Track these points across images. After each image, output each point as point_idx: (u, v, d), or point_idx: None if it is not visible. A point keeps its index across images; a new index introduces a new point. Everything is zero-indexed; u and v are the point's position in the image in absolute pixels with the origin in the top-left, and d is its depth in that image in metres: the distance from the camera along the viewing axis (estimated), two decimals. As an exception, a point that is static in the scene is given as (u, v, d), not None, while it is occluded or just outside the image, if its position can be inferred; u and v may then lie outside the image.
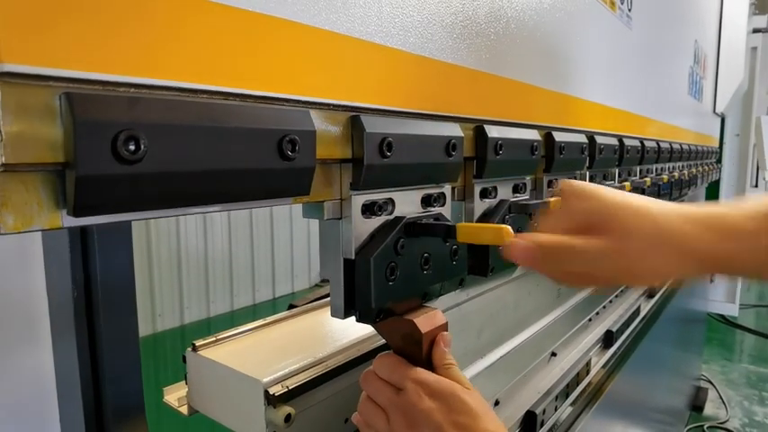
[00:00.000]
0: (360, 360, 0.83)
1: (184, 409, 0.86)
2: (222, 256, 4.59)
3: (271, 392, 0.70)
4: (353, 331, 0.89)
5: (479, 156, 0.60)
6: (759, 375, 3.33)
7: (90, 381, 0.70)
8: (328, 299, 1.10)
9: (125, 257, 0.69)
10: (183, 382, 0.87)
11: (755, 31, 3.17)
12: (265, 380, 0.70)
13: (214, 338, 0.85)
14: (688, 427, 2.66)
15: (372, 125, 0.44)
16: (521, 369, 0.85)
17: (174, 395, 0.88)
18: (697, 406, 2.86)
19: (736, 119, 3.20)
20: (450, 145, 0.52)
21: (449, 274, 0.57)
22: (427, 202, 0.56)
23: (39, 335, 0.70)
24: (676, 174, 1.54)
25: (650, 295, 1.54)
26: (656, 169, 1.47)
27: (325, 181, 0.44)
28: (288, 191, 0.37)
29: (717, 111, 2.49)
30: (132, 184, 0.27)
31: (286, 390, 0.71)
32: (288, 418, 0.70)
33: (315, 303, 1.08)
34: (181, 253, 4.28)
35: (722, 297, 3.43)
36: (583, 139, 0.90)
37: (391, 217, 0.50)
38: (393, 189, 0.50)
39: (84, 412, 0.70)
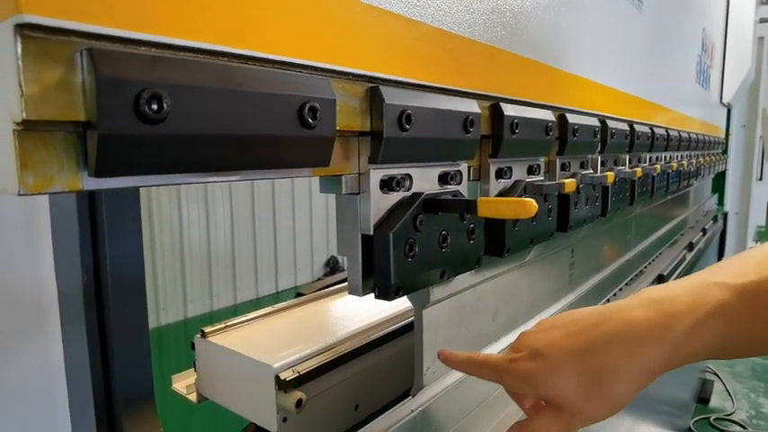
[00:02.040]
0: (369, 346, 0.82)
1: (193, 397, 0.86)
2: (225, 249, 4.58)
3: (282, 377, 0.69)
4: (362, 318, 0.89)
5: (496, 134, 0.59)
6: (765, 368, 3.33)
7: (100, 368, 0.69)
8: (336, 286, 1.10)
9: (135, 244, 0.68)
10: (192, 369, 0.87)
11: (762, 20, 3.15)
12: (276, 365, 0.70)
13: (223, 325, 0.85)
14: (694, 420, 2.66)
15: (392, 97, 0.43)
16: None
17: (183, 383, 0.88)
18: (703, 398, 2.85)
19: (743, 110, 3.19)
20: (467, 121, 0.51)
21: (466, 253, 0.56)
22: (444, 179, 0.55)
23: (48, 322, 0.69)
24: (685, 162, 1.52)
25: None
26: (665, 157, 1.46)
27: (344, 154, 0.43)
28: (308, 160, 0.36)
29: (723, 101, 2.47)
30: (155, 146, 0.26)
31: (297, 375, 0.71)
32: (299, 403, 0.70)
33: (323, 291, 1.08)
34: (184, 246, 4.27)
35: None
36: (595, 122, 0.89)
37: (409, 193, 0.49)
38: (411, 165, 0.49)
39: (93, 400, 0.69)
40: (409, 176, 0.49)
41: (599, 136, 0.89)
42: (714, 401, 2.87)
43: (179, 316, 4.35)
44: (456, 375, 0.67)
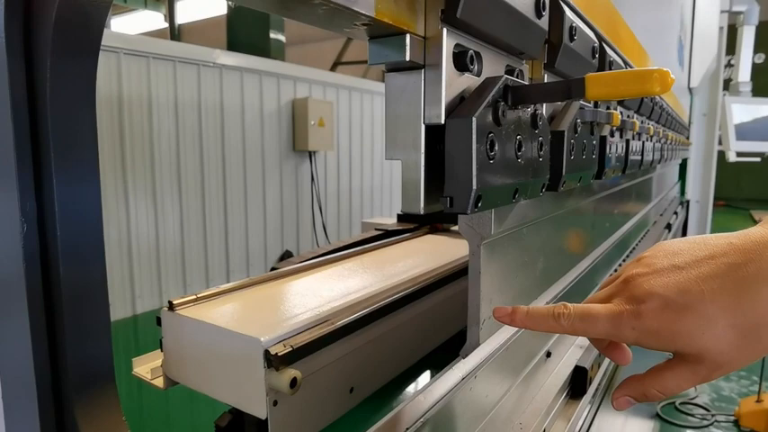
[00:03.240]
0: (368, 319, 0.72)
1: (159, 382, 0.72)
2: (174, 245, 4.37)
3: (272, 353, 0.58)
4: (356, 289, 0.79)
5: (555, 39, 0.49)
6: (722, 353, 3.40)
7: (44, 342, 0.55)
8: (318, 259, 0.99)
9: (92, 189, 0.55)
10: (157, 350, 0.74)
11: (723, 12, 3.21)
12: (265, 338, 0.58)
13: (194, 296, 0.72)
14: (661, 405, 2.68)
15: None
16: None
17: (146, 366, 0.75)
18: (667, 383, 2.89)
19: (705, 98, 3.25)
20: (540, 3, 0.41)
21: (537, 171, 0.46)
22: (509, 75, 0.44)
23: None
24: (669, 135, 1.48)
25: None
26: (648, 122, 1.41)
27: (408, 3, 0.31)
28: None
29: (691, 85, 2.49)
30: None
31: (290, 350, 0.59)
32: (293, 382, 0.59)
33: (304, 264, 0.96)
34: (132, 242, 4.05)
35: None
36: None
37: (480, 78, 0.38)
38: (482, 43, 0.38)
39: (36, 381, 0.55)
40: (480, 56, 0.38)
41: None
42: (678, 387, 2.90)
43: (127, 312, 4.11)
44: (508, 332, 0.57)
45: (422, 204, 0.35)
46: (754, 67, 4.11)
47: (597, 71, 0.70)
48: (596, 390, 0.66)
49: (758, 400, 2.52)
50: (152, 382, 0.74)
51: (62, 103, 0.39)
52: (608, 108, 0.87)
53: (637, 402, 0.46)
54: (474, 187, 0.34)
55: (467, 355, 0.49)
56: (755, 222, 0.45)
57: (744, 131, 3.59)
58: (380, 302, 0.74)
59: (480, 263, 0.46)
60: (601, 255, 0.99)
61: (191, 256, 4.53)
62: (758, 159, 3.51)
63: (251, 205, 5.04)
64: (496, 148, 0.36)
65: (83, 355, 0.57)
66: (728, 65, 4.15)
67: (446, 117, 0.34)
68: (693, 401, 2.74)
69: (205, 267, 4.65)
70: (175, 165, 4.31)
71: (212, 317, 0.66)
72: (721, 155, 3.48)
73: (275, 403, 0.60)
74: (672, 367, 0.43)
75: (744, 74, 3.96)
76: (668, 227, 1.83)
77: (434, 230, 1.31)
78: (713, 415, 2.61)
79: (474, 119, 0.33)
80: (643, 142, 1.15)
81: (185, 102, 4.34)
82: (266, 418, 0.59)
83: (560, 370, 0.63)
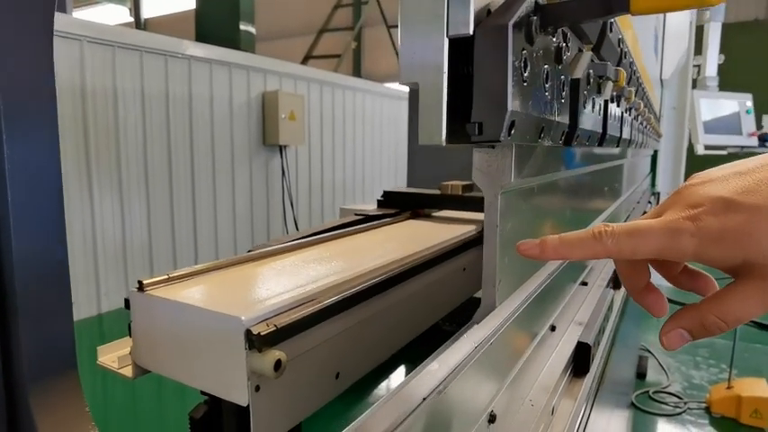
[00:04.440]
0: (357, 298, 0.67)
1: (128, 371, 0.66)
2: (141, 241, 4.24)
3: (254, 332, 0.53)
4: (338, 270, 0.74)
5: None
6: (692, 343, 3.46)
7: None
8: (298, 241, 0.94)
9: (51, 149, 0.49)
10: (125, 338, 0.67)
11: (691, 6, 3.25)
12: (246, 317, 0.53)
13: (166, 276, 0.66)
14: (635, 394, 2.70)
15: None
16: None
17: (112, 355, 0.68)
18: (640, 373, 2.92)
19: (674, 92, 3.30)
20: None
21: (559, 111, 0.41)
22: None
23: None
24: (640, 105, 1.44)
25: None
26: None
27: None
28: None
29: (663, 77, 2.52)
30: None
31: (274, 329, 0.54)
32: (278, 365, 0.53)
33: (283, 245, 0.91)
34: (96, 238, 3.90)
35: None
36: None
37: None
38: None
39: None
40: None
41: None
42: (650, 376, 2.94)
43: (92, 311, 3.96)
44: (521, 295, 0.52)
45: (444, 134, 0.30)
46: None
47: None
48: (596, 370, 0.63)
49: (728, 387, 2.56)
50: (119, 371, 0.67)
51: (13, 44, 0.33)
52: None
53: (692, 338, 0.40)
54: (509, 108, 0.30)
55: (481, 320, 0.45)
56: None
57: (711, 125, 3.67)
58: (368, 282, 0.70)
59: (498, 216, 0.42)
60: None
61: (158, 251, 4.40)
62: (725, 152, 3.59)
63: (220, 200, 4.93)
64: (528, 70, 0.32)
65: (40, 339, 0.50)
66: (695, 66, 4.23)
67: (475, 27, 0.29)
68: (666, 390, 2.78)
69: (173, 263, 4.53)
70: (142, 158, 4.17)
71: (187, 296, 0.60)
72: (689, 148, 3.54)
73: (257, 388, 0.55)
74: (735, 288, 0.37)
75: (711, 69, 4.06)
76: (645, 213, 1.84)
77: (416, 216, 1.27)
78: (686, 403, 2.65)
79: (510, 26, 0.28)
80: (628, 111, 1.14)
81: (152, 93, 4.20)
82: (248, 405, 0.54)
83: (563, 346, 0.60)
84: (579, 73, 0.45)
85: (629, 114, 1.01)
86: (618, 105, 0.76)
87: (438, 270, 0.87)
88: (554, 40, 0.37)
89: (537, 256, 0.40)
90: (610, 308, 0.78)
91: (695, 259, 0.38)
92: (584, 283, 0.83)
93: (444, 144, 0.31)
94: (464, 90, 0.30)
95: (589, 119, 0.53)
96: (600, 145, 0.66)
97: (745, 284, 0.36)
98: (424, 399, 0.32)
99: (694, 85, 3.88)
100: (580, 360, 0.57)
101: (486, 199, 0.42)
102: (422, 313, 0.86)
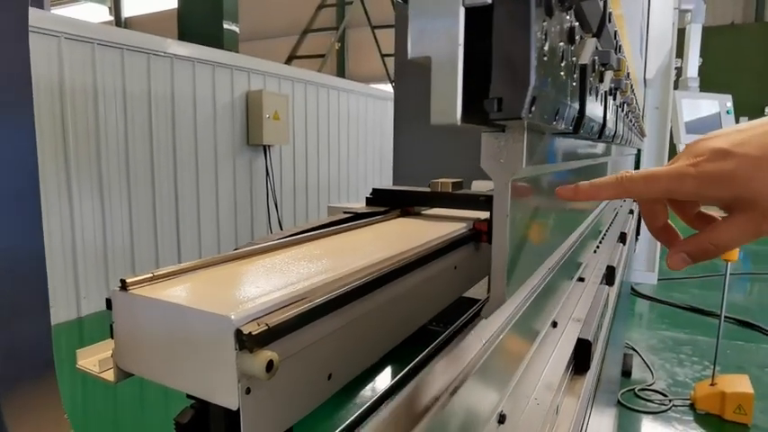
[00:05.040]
0: (350, 297, 0.65)
1: (109, 375, 0.63)
2: (123, 242, 4.16)
3: (245, 332, 0.50)
4: (329, 268, 0.72)
5: None
6: (675, 340, 3.51)
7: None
8: (285, 239, 0.91)
9: (27, 139, 0.46)
10: (106, 340, 0.64)
11: (675, 9, 3.30)
12: (236, 316, 0.51)
13: (150, 275, 0.63)
14: (621, 392, 2.72)
15: None
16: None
17: (93, 358, 0.65)
18: (626, 371, 2.94)
19: (657, 92, 3.33)
20: None
21: (571, 96, 0.41)
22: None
23: None
24: (633, 101, 1.44)
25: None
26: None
27: None
28: None
29: (647, 76, 2.53)
30: None
31: (266, 328, 0.52)
32: (270, 366, 0.51)
33: (271, 243, 0.88)
34: (76, 241, 3.82)
35: (643, 267, 3.58)
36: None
37: None
38: None
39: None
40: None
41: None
42: (635, 374, 2.96)
43: (71, 314, 3.88)
44: (525, 290, 0.51)
45: (459, 113, 0.28)
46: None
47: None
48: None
49: (712, 384, 2.59)
50: (101, 375, 0.64)
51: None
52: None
53: (692, 262, 0.47)
54: (532, 83, 0.28)
55: (489, 315, 0.43)
56: None
57: (693, 125, 3.71)
58: (361, 280, 0.68)
59: (508, 205, 0.40)
60: (579, 238, 0.96)
61: (140, 253, 4.33)
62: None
63: (203, 201, 4.87)
64: (547, 44, 0.30)
65: (13, 340, 0.47)
66: (677, 68, 4.28)
67: (495, -6, 0.27)
68: (651, 388, 2.80)
69: (156, 264, 4.47)
70: (124, 158, 4.10)
71: (173, 295, 0.58)
72: (672, 148, 3.58)
73: (248, 391, 0.53)
74: (727, 219, 0.46)
75: (692, 70, 4.11)
76: (631, 212, 1.85)
77: (406, 214, 1.25)
78: (671, 400, 2.67)
79: (532, -10, 0.26)
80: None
81: (134, 92, 4.13)
82: (238, 409, 0.51)
83: (563, 342, 0.58)
84: (586, 58, 0.44)
85: (623, 110, 1.00)
86: (614, 99, 0.75)
87: (431, 267, 0.85)
88: (567, 17, 0.35)
89: (572, 197, 0.48)
90: (606, 304, 0.77)
91: (696, 198, 0.47)
92: (581, 279, 0.82)
93: (459, 123, 0.29)
94: (479, 66, 0.28)
95: (594, 107, 0.51)
96: (599, 137, 0.65)
97: (736, 217, 0.45)
98: (437, 399, 0.30)
99: (676, 86, 3.92)
100: (581, 357, 0.56)
101: (496, 187, 0.41)
102: (414, 312, 0.85)
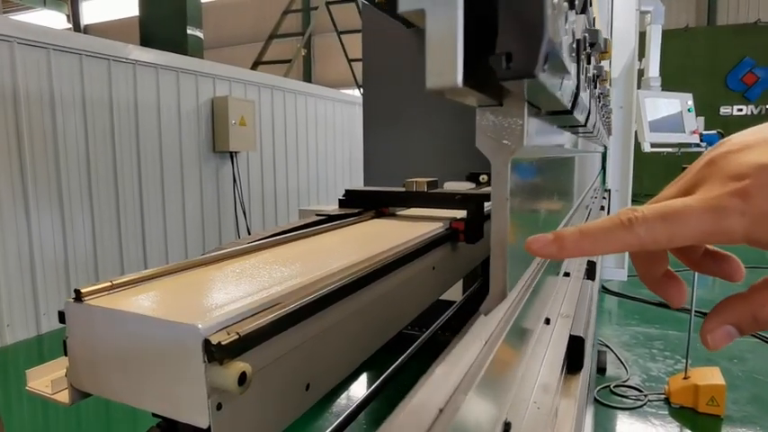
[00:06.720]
0: (327, 301, 0.61)
1: (63, 396, 0.57)
2: (85, 254, 4.01)
3: (214, 342, 0.46)
4: (303, 272, 0.67)
5: None
6: (647, 335, 3.55)
7: None
8: (254, 243, 0.87)
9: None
10: (60, 358, 0.59)
11: (636, 10, 3.38)
12: (203, 325, 0.46)
13: (109, 283, 0.58)
14: (597, 389, 2.73)
15: None
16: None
17: (44, 379, 0.59)
18: (601, 368, 2.95)
19: (621, 91, 3.39)
20: None
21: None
22: None
23: None
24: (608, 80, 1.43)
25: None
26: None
27: None
28: None
29: (612, 75, 2.56)
30: None
31: (237, 337, 0.47)
32: (242, 378, 0.47)
33: (238, 248, 0.83)
34: (34, 255, 3.66)
35: (612, 263, 3.62)
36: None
37: None
38: None
39: None
40: None
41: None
42: (610, 370, 2.98)
43: (30, 332, 3.71)
44: (521, 284, 0.47)
45: (459, 73, 0.25)
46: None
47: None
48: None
49: (685, 377, 2.62)
50: (53, 397, 0.59)
51: None
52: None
53: (740, 334, 0.34)
54: (547, 34, 0.24)
55: (489, 311, 0.39)
56: None
57: (656, 124, 3.79)
58: (338, 283, 0.64)
59: (507, 187, 0.37)
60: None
61: (104, 265, 4.18)
62: (675, 150, 3.71)
63: (169, 209, 4.74)
64: (557, 5, 0.27)
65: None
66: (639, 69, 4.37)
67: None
68: (626, 384, 2.82)
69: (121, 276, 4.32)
70: (85, 167, 3.95)
71: (134, 305, 0.53)
72: (637, 146, 3.65)
73: (219, 407, 0.48)
74: None
75: (654, 70, 4.21)
76: (602, 208, 1.86)
77: (381, 215, 1.21)
78: (646, 395, 2.69)
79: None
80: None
81: (94, 99, 4.00)
82: (208, 427, 0.47)
83: (555, 340, 0.56)
84: (578, 34, 0.41)
85: (599, 101, 0.99)
86: (595, 87, 0.74)
87: (409, 268, 0.82)
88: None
89: (555, 255, 0.34)
90: (591, 299, 0.75)
91: (745, 242, 0.31)
92: (567, 274, 0.80)
93: (460, 86, 0.25)
94: (481, 20, 0.25)
95: (584, 89, 0.49)
96: (584, 125, 0.63)
97: None
98: (441, 410, 0.26)
99: (639, 86, 4.00)
100: (574, 355, 0.53)
101: (494, 168, 0.37)
102: (393, 314, 0.81)
